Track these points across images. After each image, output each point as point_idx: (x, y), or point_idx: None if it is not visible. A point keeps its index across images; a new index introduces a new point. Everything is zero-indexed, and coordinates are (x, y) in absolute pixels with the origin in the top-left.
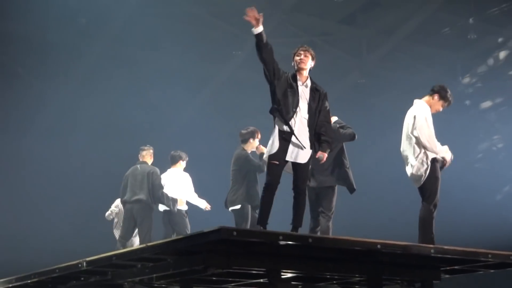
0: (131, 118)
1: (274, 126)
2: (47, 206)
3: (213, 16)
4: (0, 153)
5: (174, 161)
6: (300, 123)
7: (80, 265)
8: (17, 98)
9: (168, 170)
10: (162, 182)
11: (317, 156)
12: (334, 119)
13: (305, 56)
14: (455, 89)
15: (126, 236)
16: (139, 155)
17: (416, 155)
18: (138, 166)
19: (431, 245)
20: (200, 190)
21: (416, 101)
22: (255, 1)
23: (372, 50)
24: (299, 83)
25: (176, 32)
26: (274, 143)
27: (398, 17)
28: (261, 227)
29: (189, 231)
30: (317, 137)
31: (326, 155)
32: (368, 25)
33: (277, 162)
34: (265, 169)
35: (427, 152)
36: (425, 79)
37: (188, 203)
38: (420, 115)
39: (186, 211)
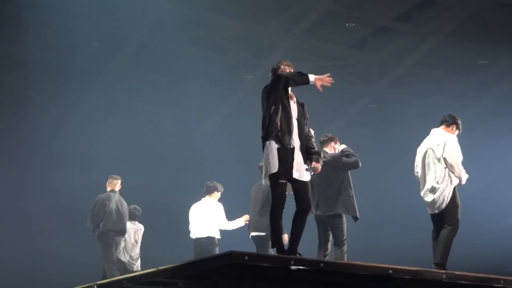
0: (143, 142)
1: (269, 145)
2: (58, 229)
3: (224, 40)
4: (12, 176)
5: (209, 191)
6: (297, 139)
7: None
8: (29, 121)
9: (203, 199)
10: (196, 210)
11: (312, 166)
12: (342, 147)
13: (290, 71)
14: (466, 114)
15: (112, 260)
16: (110, 183)
17: (441, 180)
18: (116, 195)
19: (443, 271)
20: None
21: (437, 130)
22: (268, 25)
23: (383, 75)
24: (290, 100)
25: (187, 56)
26: (274, 162)
27: (409, 42)
28: (282, 251)
29: None
30: (307, 151)
31: (320, 165)
32: (379, 50)
33: (284, 181)
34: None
35: (452, 179)
36: (436, 104)
37: (221, 231)
38: (451, 141)
39: (218, 240)
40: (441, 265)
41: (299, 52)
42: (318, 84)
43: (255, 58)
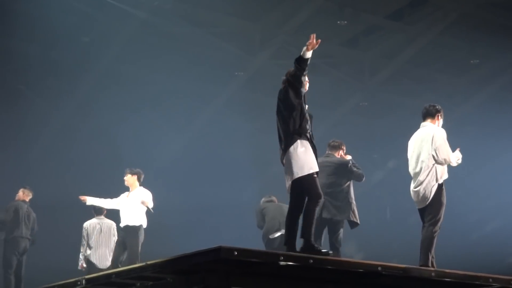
0: (130, 138)
1: (301, 143)
2: (45, 224)
3: (215, 36)
4: (1, 170)
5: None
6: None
7: (79, 283)
8: (19, 115)
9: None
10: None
11: None
12: (348, 157)
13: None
14: (457, 114)
15: (13, 267)
16: (25, 194)
17: (427, 176)
18: (27, 205)
19: (432, 268)
20: (198, 216)
21: (425, 124)
22: (260, 22)
23: (374, 73)
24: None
25: (178, 52)
26: (313, 159)
27: (400, 41)
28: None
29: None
30: None
31: None
32: (371, 48)
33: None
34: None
35: (438, 176)
36: (426, 102)
37: (147, 218)
38: (439, 135)
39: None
40: (425, 266)
41: (290, 49)
42: (314, 47)
43: (246, 54)
